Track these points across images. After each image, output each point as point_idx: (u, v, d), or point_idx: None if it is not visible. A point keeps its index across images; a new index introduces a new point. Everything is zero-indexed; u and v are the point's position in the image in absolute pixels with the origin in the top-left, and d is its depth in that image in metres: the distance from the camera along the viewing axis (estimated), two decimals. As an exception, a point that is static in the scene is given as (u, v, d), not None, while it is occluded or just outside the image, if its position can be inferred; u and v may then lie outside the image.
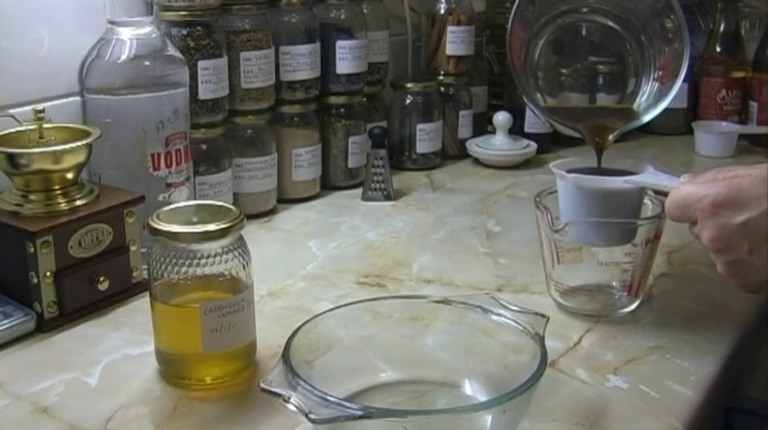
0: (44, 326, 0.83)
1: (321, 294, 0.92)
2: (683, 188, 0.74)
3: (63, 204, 0.85)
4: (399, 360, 0.74)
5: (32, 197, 0.85)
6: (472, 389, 0.72)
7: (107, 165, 0.94)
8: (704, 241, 0.72)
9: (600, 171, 0.86)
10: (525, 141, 1.41)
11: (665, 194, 0.78)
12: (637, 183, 0.81)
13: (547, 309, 0.82)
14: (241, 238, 0.75)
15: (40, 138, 0.86)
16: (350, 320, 0.73)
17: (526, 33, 0.91)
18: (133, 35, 0.94)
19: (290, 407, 0.59)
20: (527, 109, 1.44)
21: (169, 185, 0.96)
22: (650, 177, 0.81)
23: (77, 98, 0.97)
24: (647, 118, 0.89)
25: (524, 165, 1.39)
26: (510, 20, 0.89)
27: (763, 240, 0.69)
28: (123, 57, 0.93)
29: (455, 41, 1.40)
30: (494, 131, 1.41)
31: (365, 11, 1.28)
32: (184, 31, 1.03)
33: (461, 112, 1.44)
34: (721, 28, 1.53)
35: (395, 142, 1.38)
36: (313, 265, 1.00)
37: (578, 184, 0.82)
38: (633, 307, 0.88)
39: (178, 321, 0.74)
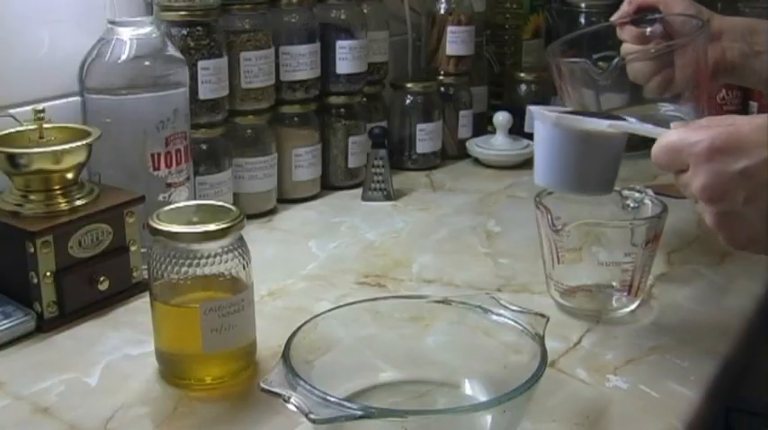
0: (44, 327, 0.83)
1: (321, 294, 0.92)
2: (675, 132, 0.68)
3: (63, 204, 0.85)
4: (399, 360, 0.74)
5: (32, 197, 0.85)
6: (472, 389, 0.72)
7: (107, 165, 0.94)
8: (695, 188, 0.66)
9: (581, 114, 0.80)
10: (525, 141, 1.41)
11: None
12: (622, 128, 0.75)
13: (547, 308, 0.82)
14: (241, 238, 0.75)
15: (40, 138, 0.86)
16: (350, 320, 0.73)
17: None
18: (133, 35, 0.94)
19: (290, 407, 0.59)
20: (527, 109, 1.44)
21: (169, 185, 0.96)
22: (637, 124, 0.75)
23: (77, 98, 0.97)
24: None
25: (524, 165, 1.39)
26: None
27: (762, 190, 0.64)
28: (123, 57, 0.93)
29: (455, 41, 1.40)
30: (494, 131, 1.41)
31: (365, 11, 1.28)
32: (184, 31, 1.03)
33: (461, 112, 1.44)
34: (721, 28, 1.53)
35: (395, 142, 1.38)
36: (313, 265, 1.00)
37: (558, 124, 0.76)
38: (633, 307, 0.88)
39: (178, 321, 0.74)
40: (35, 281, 0.82)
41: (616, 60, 0.89)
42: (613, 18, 0.96)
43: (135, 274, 0.91)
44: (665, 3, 0.93)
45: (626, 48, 0.94)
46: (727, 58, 0.92)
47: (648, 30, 0.93)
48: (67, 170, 0.86)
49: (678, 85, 0.91)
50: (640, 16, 0.94)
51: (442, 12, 1.41)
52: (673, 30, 0.93)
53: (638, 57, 0.92)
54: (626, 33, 0.94)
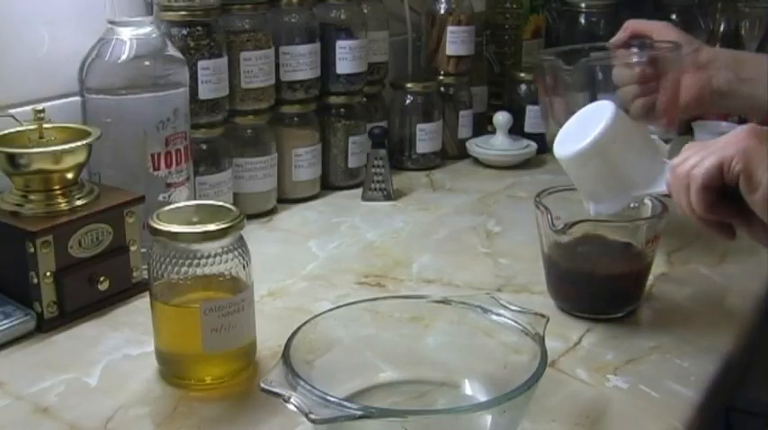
0: (44, 327, 0.83)
1: (321, 294, 0.92)
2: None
3: (63, 204, 0.85)
4: (399, 360, 0.74)
5: (32, 197, 0.85)
6: (472, 389, 0.72)
7: (107, 165, 0.94)
8: (740, 130, 0.69)
9: None
10: (525, 141, 1.41)
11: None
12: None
13: (547, 309, 0.82)
14: (241, 238, 0.75)
15: (40, 138, 0.86)
16: (350, 320, 0.73)
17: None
18: (133, 35, 0.94)
19: (290, 407, 0.59)
20: (527, 109, 1.44)
21: (169, 185, 0.96)
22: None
23: (77, 98, 0.97)
24: None
25: (524, 165, 1.39)
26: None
27: None
28: (123, 57, 0.93)
29: (455, 41, 1.40)
30: (494, 131, 1.41)
31: (365, 11, 1.28)
32: (184, 31, 1.03)
33: (461, 112, 1.44)
34: (721, 28, 1.53)
35: (395, 142, 1.38)
36: (313, 265, 1.00)
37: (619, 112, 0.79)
38: (633, 307, 0.88)
39: (178, 321, 0.74)
40: (35, 281, 0.82)
41: (584, 60, 1.00)
42: (610, 42, 1.05)
43: (135, 274, 0.91)
44: (657, 32, 1.02)
45: (615, 71, 1.01)
46: (714, 85, 0.99)
47: (635, 51, 1.02)
48: (67, 170, 0.86)
49: (659, 109, 0.98)
50: (631, 43, 1.03)
51: (442, 12, 1.41)
52: (659, 59, 1.00)
53: (621, 64, 1.01)
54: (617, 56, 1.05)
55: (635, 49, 1.03)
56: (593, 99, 0.98)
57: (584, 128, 0.79)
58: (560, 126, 0.87)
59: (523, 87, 1.46)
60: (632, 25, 1.04)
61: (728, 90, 0.98)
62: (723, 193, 0.70)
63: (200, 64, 1.03)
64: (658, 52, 1.00)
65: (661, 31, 1.03)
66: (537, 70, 1.06)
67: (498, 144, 1.40)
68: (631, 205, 0.88)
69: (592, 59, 1.02)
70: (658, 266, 0.95)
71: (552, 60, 1.01)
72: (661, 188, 0.78)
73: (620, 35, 1.05)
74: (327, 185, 1.27)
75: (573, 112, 0.84)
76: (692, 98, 0.99)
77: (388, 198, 1.23)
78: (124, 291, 0.89)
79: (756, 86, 0.97)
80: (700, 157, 0.70)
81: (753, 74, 0.97)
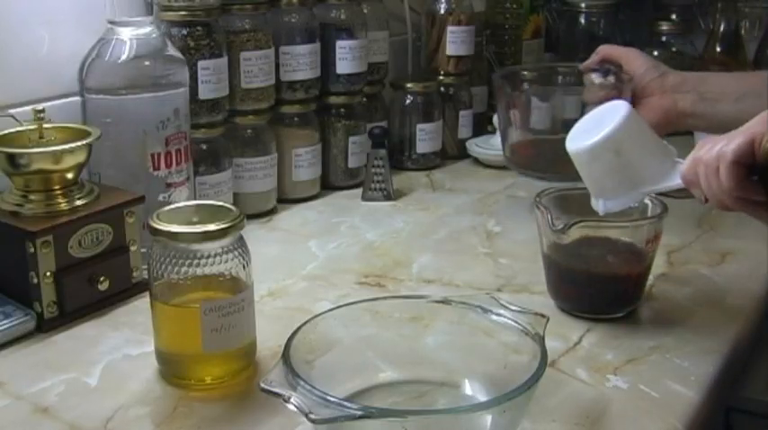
0: (44, 326, 0.83)
1: (321, 294, 0.92)
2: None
3: (63, 204, 0.85)
4: (399, 360, 0.74)
5: (32, 197, 0.85)
6: (472, 389, 0.72)
7: (107, 165, 0.94)
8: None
9: None
10: (525, 141, 1.41)
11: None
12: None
13: (547, 309, 0.82)
14: (241, 238, 0.75)
15: (40, 138, 0.86)
16: (350, 320, 0.73)
17: None
18: (133, 35, 0.94)
19: (290, 407, 0.59)
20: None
21: (169, 185, 0.96)
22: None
23: (77, 98, 0.97)
24: None
25: (524, 165, 1.39)
26: None
27: None
28: (123, 57, 0.93)
29: (455, 41, 1.40)
30: (494, 131, 1.41)
31: (365, 11, 1.28)
32: (184, 31, 1.03)
33: (461, 112, 1.44)
34: (721, 28, 1.53)
35: (395, 142, 1.38)
36: (313, 265, 1.00)
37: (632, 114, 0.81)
38: (633, 307, 0.88)
39: (178, 321, 0.74)
40: (35, 281, 0.82)
41: (527, 88, 1.20)
42: (582, 66, 1.12)
43: (135, 274, 0.91)
44: (626, 59, 1.08)
45: (585, 91, 1.09)
46: (679, 107, 1.02)
47: (597, 74, 1.09)
48: (67, 170, 0.86)
49: None
50: (601, 66, 1.10)
51: (442, 12, 1.41)
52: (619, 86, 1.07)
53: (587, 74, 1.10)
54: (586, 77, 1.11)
55: (596, 74, 1.08)
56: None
57: (598, 124, 0.81)
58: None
59: (524, 87, 1.46)
60: (604, 50, 1.11)
61: (693, 111, 1.02)
62: (750, 176, 0.70)
63: (200, 64, 1.03)
64: (620, 84, 1.06)
65: (630, 56, 1.07)
66: (497, 84, 1.19)
67: (498, 144, 1.39)
68: (632, 205, 0.88)
69: (531, 90, 1.19)
70: (658, 266, 0.95)
71: (500, 82, 1.17)
72: (675, 182, 0.78)
73: (592, 59, 1.11)
74: (327, 185, 1.27)
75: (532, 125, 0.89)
76: (660, 119, 1.02)
77: (388, 198, 1.23)
78: (124, 291, 0.89)
79: (719, 105, 1.00)
80: (727, 139, 0.71)
81: (715, 93, 1.00)
